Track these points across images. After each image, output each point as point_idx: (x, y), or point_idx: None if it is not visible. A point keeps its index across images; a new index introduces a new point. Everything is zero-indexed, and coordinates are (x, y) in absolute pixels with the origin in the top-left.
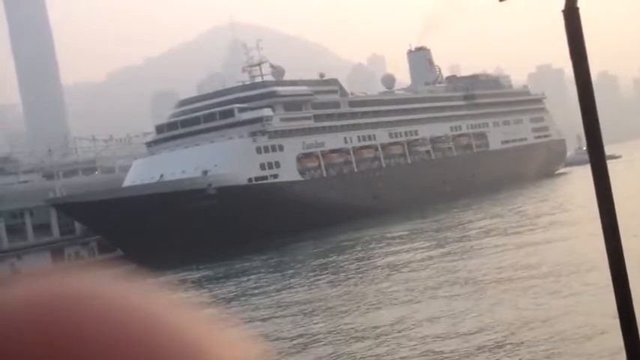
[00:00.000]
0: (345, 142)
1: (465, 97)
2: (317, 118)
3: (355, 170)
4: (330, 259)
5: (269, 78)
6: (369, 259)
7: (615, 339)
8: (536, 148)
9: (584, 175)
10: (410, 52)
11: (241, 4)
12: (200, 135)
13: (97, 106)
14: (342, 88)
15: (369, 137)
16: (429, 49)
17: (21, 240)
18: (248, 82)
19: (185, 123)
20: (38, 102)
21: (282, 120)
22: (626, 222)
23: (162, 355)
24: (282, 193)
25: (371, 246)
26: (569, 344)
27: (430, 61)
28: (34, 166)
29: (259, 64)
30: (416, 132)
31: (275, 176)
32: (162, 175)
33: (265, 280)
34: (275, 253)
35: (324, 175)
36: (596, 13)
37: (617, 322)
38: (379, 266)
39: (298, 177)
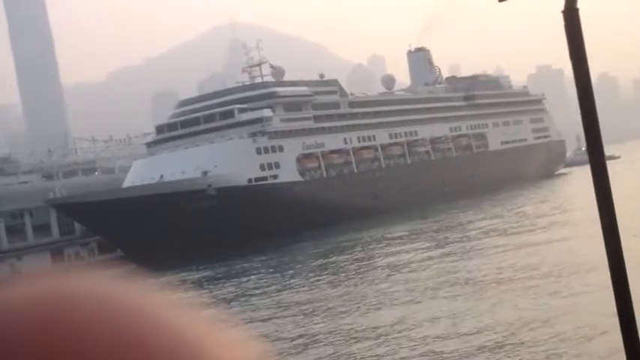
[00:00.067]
0: (345, 142)
1: (465, 98)
2: (317, 118)
3: (355, 171)
4: (330, 259)
5: (269, 78)
6: (369, 259)
7: (615, 339)
8: (535, 149)
9: (583, 176)
10: (410, 52)
11: (241, 4)
12: (200, 135)
13: (97, 106)
14: (341, 88)
15: (369, 138)
16: (428, 50)
17: (21, 240)
18: (248, 83)
19: (185, 123)
20: (38, 102)
21: (282, 120)
22: (626, 223)
23: (163, 355)
24: (282, 194)
25: (371, 246)
26: (569, 344)
27: (430, 62)
28: (34, 166)
29: (259, 65)
30: (416, 132)
31: (275, 177)
32: (162, 176)
33: (265, 280)
34: (275, 253)
35: (324, 175)
36: (596, 14)
37: (617, 321)
38: (379, 267)
39: (298, 177)
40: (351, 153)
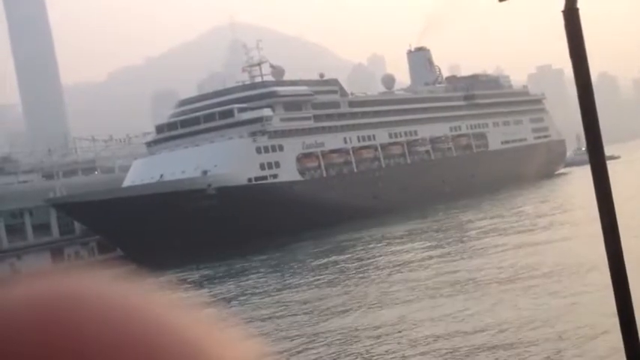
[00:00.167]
0: (345, 142)
1: (465, 98)
2: (317, 118)
3: (355, 170)
4: (330, 259)
5: (269, 78)
6: (369, 259)
7: (615, 339)
8: (536, 149)
9: (583, 176)
10: (410, 52)
11: (241, 4)
12: (200, 135)
13: (97, 106)
14: (342, 88)
15: (369, 137)
16: (428, 50)
17: (21, 240)
18: (248, 82)
19: (185, 123)
20: (38, 102)
21: (282, 120)
22: (626, 222)
23: (163, 355)
24: (282, 193)
25: (371, 246)
26: (569, 344)
27: (430, 62)
28: (34, 166)
29: (259, 64)
30: (415, 132)
31: (275, 176)
32: (162, 175)
33: (265, 279)
34: (275, 252)
35: (324, 175)
36: (596, 14)
37: (617, 321)
38: (379, 266)
39: (298, 177)
40: (351, 152)
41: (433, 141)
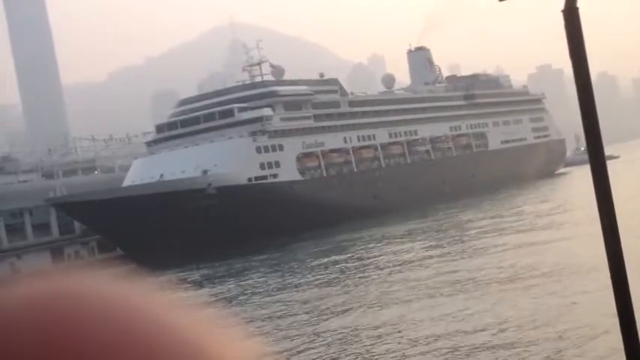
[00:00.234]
0: (345, 141)
1: (465, 97)
2: (317, 117)
3: (355, 170)
4: (330, 258)
5: (269, 78)
6: (369, 258)
7: (616, 339)
8: (535, 148)
9: (583, 175)
10: (410, 52)
11: (241, 4)
12: (200, 135)
13: (97, 106)
14: (342, 87)
15: (369, 137)
16: (428, 49)
17: (20, 239)
18: (248, 82)
19: (185, 123)
20: (38, 102)
21: (282, 120)
22: (626, 222)
23: (163, 354)
24: (282, 193)
25: (371, 246)
26: (569, 344)
27: (430, 61)
28: (34, 165)
29: (259, 64)
30: (415, 132)
31: (275, 176)
32: (162, 175)
33: (265, 279)
34: (275, 252)
35: (324, 174)
36: (596, 13)
37: (617, 321)
38: (379, 266)
39: (298, 177)
40: (351, 152)
41: (433, 141)
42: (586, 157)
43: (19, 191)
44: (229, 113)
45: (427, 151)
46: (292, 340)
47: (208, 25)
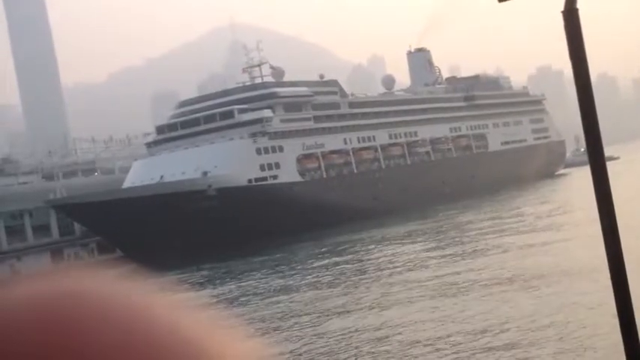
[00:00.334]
0: (345, 143)
1: (465, 98)
2: (317, 119)
3: (355, 171)
4: (330, 260)
5: (269, 79)
6: (369, 260)
7: (615, 339)
8: (535, 149)
9: (583, 176)
10: (410, 52)
11: (241, 4)
12: (200, 136)
13: (97, 106)
14: (341, 89)
15: (369, 138)
16: (428, 50)
17: (20, 241)
18: (248, 83)
19: (185, 124)
20: (38, 102)
21: (282, 121)
22: (626, 223)
23: (164, 355)
24: (282, 194)
25: (371, 247)
26: (569, 344)
27: (430, 62)
28: (34, 167)
29: (259, 65)
30: (415, 133)
31: (275, 177)
32: (162, 176)
33: (265, 280)
34: (275, 253)
35: (324, 176)
36: (596, 14)
37: (617, 322)
38: (379, 267)
39: (298, 178)
40: (351, 153)
41: (433, 142)
42: (586, 158)
43: (19, 193)
44: (229, 115)
45: (427, 153)
46: (293, 340)
47: (208, 26)
